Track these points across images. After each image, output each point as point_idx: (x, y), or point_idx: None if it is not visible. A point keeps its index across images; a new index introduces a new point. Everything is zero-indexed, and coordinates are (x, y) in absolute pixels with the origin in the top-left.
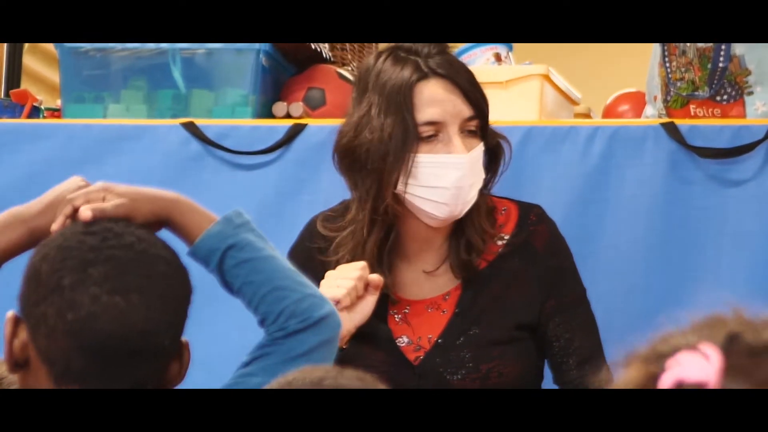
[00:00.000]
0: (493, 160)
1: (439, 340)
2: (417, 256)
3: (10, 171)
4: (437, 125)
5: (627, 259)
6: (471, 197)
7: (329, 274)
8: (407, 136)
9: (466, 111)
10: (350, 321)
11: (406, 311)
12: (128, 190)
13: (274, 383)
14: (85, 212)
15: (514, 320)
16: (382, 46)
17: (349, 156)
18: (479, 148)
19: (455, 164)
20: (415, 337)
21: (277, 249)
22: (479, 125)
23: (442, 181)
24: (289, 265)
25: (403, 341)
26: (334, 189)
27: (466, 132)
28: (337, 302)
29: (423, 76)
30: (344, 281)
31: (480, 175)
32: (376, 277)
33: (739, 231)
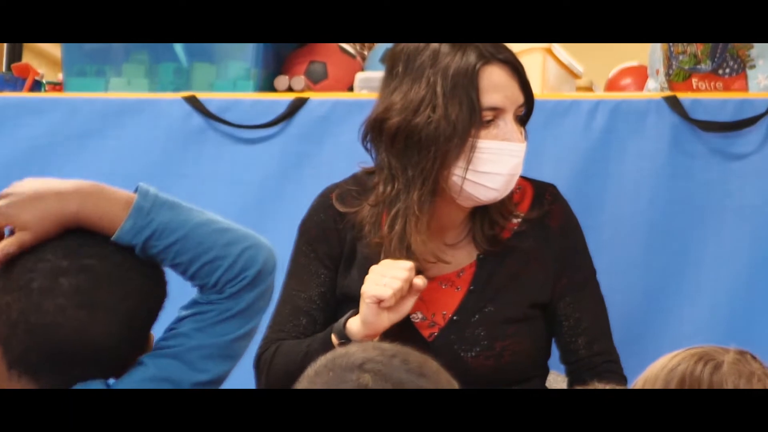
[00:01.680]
0: None
1: (454, 317)
2: (436, 233)
3: (12, 145)
4: (497, 111)
5: (628, 232)
6: (514, 183)
7: (374, 269)
8: (473, 119)
9: (520, 98)
10: (387, 319)
11: None
12: (29, 213)
13: (320, 361)
14: None
15: (528, 299)
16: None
17: (404, 134)
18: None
19: (513, 151)
20: (429, 314)
21: (278, 224)
22: (525, 111)
23: (498, 167)
24: (212, 225)
25: (417, 317)
26: (336, 162)
27: (516, 118)
28: (381, 301)
29: (487, 61)
30: (393, 281)
31: None
32: (420, 282)
33: (742, 204)
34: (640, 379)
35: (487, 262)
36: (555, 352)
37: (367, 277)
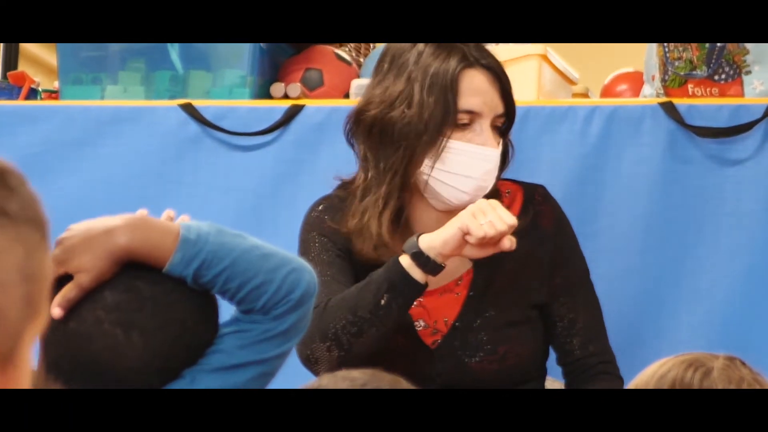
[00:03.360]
0: (503, 158)
1: (457, 323)
2: None
3: (8, 153)
4: (474, 115)
5: (625, 239)
6: (487, 191)
7: (482, 203)
8: (446, 120)
9: (500, 107)
10: (467, 251)
11: (420, 297)
12: (82, 255)
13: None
14: (56, 312)
15: (528, 300)
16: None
17: (379, 127)
18: (501, 145)
19: (486, 156)
20: (431, 321)
21: (274, 231)
22: (505, 123)
23: (470, 170)
24: (257, 251)
25: (419, 325)
26: (332, 169)
27: (494, 127)
28: (468, 234)
29: (469, 65)
30: (489, 227)
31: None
32: (508, 243)
33: (738, 210)
34: (631, 386)
35: (484, 267)
36: (552, 355)
37: (475, 204)
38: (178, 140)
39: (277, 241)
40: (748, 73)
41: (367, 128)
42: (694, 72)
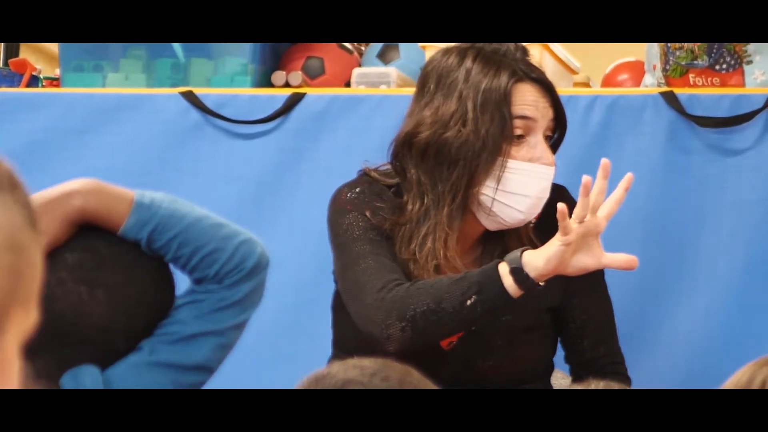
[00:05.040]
0: None
1: (474, 327)
2: (460, 252)
3: (9, 140)
4: (528, 122)
5: (625, 228)
6: (540, 208)
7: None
8: (505, 133)
9: (551, 112)
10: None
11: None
12: (41, 217)
13: (305, 382)
14: None
15: (544, 305)
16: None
17: (434, 148)
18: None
19: (542, 174)
20: None
21: (275, 219)
22: (555, 133)
23: (527, 189)
24: (209, 220)
25: None
26: (332, 157)
27: (546, 138)
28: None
29: (519, 79)
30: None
31: None
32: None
33: (739, 200)
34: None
35: None
36: (560, 350)
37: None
38: (180, 128)
39: (277, 228)
40: (750, 63)
41: (421, 151)
42: (696, 62)
